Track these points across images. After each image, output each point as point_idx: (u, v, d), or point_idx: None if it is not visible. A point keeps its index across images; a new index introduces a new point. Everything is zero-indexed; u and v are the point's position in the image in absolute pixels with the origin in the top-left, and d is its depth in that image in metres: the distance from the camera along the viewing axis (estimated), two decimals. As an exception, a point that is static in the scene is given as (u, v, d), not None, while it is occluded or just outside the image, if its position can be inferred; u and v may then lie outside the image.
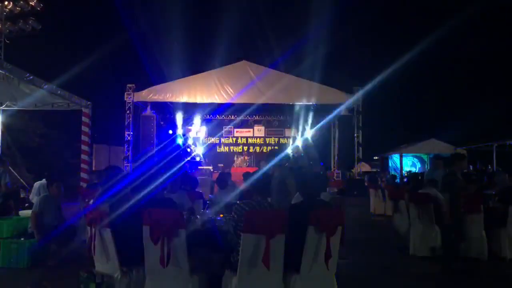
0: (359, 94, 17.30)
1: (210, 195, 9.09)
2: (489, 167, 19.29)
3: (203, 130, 21.72)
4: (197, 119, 21.02)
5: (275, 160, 5.59)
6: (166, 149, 18.31)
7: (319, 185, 3.73)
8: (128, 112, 16.69)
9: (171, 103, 17.61)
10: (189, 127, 21.44)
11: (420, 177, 8.22)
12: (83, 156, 10.94)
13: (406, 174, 18.29)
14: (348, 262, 5.20)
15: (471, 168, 19.71)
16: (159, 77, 17.58)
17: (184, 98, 16.72)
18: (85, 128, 10.74)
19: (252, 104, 17.66)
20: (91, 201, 5.16)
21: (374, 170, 22.16)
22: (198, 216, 4.04)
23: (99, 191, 4.39)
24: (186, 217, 3.64)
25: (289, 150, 21.11)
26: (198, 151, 21.16)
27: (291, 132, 21.86)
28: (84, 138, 10.77)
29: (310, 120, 21.09)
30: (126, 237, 3.35)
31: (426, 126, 26.57)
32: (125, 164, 16.16)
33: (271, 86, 16.59)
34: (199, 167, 18.59)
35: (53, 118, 16.24)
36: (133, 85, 16.78)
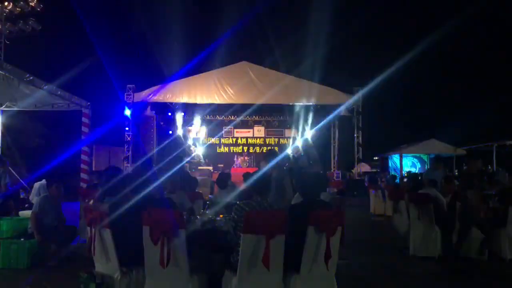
0: (359, 95, 17.30)
1: (210, 195, 9.10)
2: (489, 167, 19.29)
3: (203, 130, 21.73)
4: (197, 120, 21.03)
5: (275, 160, 5.59)
6: (166, 149, 18.32)
7: (319, 185, 3.73)
8: (128, 112, 16.68)
9: (171, 103, 17.62)
10: (189, 128, 21.45)
11: (419, 177, 8.23)
12: (83, 157, 10.95)
13: (406, 175, 18.29)
14: (348, 262, 5.20)
15: (471, 168, 19.67)
16: (159, 78, 17.60)
17: (184, 99, 16.72)
18: (84, 129, 10.75)
19: (252, 104, 17.67)
20: (91, 201, 5.16)
21: (374, 170, 22.16)
22: (198, 217, 4.04)
23: (99, 192, 4.39)
24: (186, 217, 3.65)
25: (289, 151, 21.15)
26: (198, 151, 21.18)
27: (291, 133, 21.87)
28: (84, 138, 10.79)
29: (310, 121, 21.11)
30: (126, 238, 3.35)
31: (426, 126, 26.56)
32: (125, 165, 16.16)
33: (271, 86, 16.58)
34: (199, 168, 18.61)
35: (53, 119, 16.24)
36: (133, 85, 16.79)
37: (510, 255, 5.57)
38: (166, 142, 19.03)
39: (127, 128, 16.73)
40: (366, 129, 17.94)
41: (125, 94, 16.58)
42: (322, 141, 21.46)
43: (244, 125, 21.78)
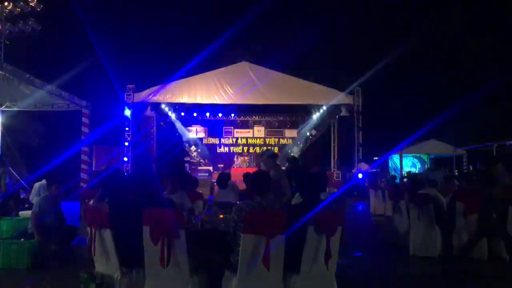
0: (359, 95, 17.32)
1: (210, 196, 9.10)
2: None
3: (203, 130, 21.74)
4: (197, 119, 21.04)
5: (272, 160, 5.60)
6: (166, 150, 18.34)
7: (318, 185, 3.73)
8: (128, 112, 16.68)
9: (171, 103, 17.61)
10: (189, 128, 21.45)
11: (418, 177, 8.24)
12: (83, 157, 10.95)
13: (406, 175, 18.30)
14: (349, 264, 5.20)
15: (471, 168, 19.72)
16: (159, 78, 17.60)
17: (184, 99, 16.71)
18: (85, 129, 10.75)
19: (252, 104, 17.67)
20: (91, 201, 5.16)
21: (374, 170, 22.15)
22: (199, 217, 4.04)
23: (99, 192, 4.39)
24: (186, 217, 3.64)
25: (289, 151, 21.16)
26: (198, 151, 21.19)
27: (291, 133, 21.88)
28: (84, 138, 10.79)
29: (310, 121, 21.13)
30: (126, 238, 3.35)
31: (426, 126, 26.53)
32: (125, 165, 16.16)
33: (271, 86, 16.59)
34: (199, 168, 18.62)
35: (53, 119, 16.24)
36: (133, 85, 16.79)
37: (510, 255, 5.56)
38: (167, 142, 19.04)
39: (127, 128, 16.73)
40: (366, 129, 17.93)
41: (125, 94, 16.58)
42: (322, 141, 21.47)
43: (244, 125, 21.78)
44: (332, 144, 20.91)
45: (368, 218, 10.93)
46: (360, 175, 16.62)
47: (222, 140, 21.69)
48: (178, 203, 4.41)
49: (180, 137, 21.11)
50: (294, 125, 21.79)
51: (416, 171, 20.35)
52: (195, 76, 16.88)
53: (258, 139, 21.77)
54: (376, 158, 24.24)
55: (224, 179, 5.79)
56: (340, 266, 3.45)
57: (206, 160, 20.84)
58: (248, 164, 19.56)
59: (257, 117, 21.49)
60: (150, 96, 16.67)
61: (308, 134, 21.59)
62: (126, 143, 16.69)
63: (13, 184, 8.66)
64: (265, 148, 21.48)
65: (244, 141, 21.70)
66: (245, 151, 21.32)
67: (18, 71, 7.95)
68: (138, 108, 17.45)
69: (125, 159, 16.53)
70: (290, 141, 21.81)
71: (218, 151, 21.65)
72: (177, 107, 18.74)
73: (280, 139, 21.84)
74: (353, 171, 18.40)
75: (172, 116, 19.75)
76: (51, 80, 9.48)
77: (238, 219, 3.18)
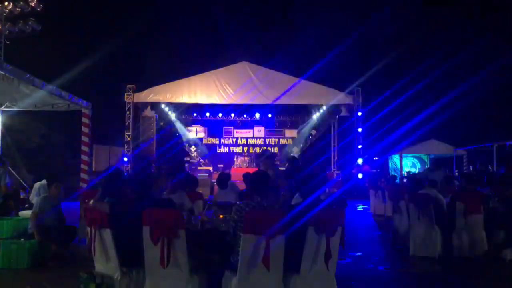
0: (359, 95, 17.33)
1: (210, 196, 9.10)
2: (489, 167, 19.29)
3: (203, 130, 21.74)
4: (197, 119, 21.05)
5: (269, 160, 5.60)
6: (166, 150, 18.33)
7: (319, 185, 3.72)
8: (128, 112, 16.70)
9: (171, 103, 17.62)
10: (189, 128, 21.46)
11: (418, 177, 8.23)
12: (83, 157, 10.95)
13: (405, 175, 18.30)
14: (348, 262, 5.20)
15: (471, 168, 19.72)
16: (159, 78, 17.60)
17: (184, 99, 16.72)
18: (85, 129, 10.75)
19: (252, 104, 17.67)
20: (91, 202, 5.16)
21: (374, 170, 22.16)
22: (199, 217, 4.04)
23: (99, 192, 4.39)
24: (186, 217, 3.65)
25: (289, 151, 21.15)
26: (198, 151, 21.19)
27: (291, 133, 21.89)
28: (84, 138, 10.79)
29: (310, 121, 21.14)
30: (126, 238, 3.35)
31: (426, 126, 26.53)
32: (125, 165, 16.16)
33: (271, 86, 16.60)
34: (198, 168, 18.62)
35: (53, 119, 16.24)
36: (133, 85, 16.79)
37: (510, 255, 5.56)
38: (167, 142, 19.05)
39: (127, 128, 16.74)
40: (366, 130, 17.94)
41: (125, 94, 16.59)
42: (322, 141, 21.48)
43: (244, 125, 21.79)
44: (332, 144, 20.92)
45: (368, 218, 10.93)
46: (360, 175, 16.63)
47: (222, 140, 21.70)
48: (178, 203, 4.40)
49: (180, 137, 21.12)
50: (294, 125, 21.80)
51: (416, 171, 20.35)
52: (195, 76, 16.89)
53: (258, 139, 21.77)
54: (376, 158, 24.24)
55: (224, 179, 5.79)
56: (340, 266, 3.44)
57: (206, 160, 20.83)
58: (248, 164, 19.56)
59: (257, 117, 21.51)
60: (150, 96, 16.69)
61: (308, 134, 21.60)
62: (126, 144, 16.69)
63: (14, 184, 8.64)
64: (265, 148, 21.49)
65: (244, 141, 21.70)
66: (245, 151, 21.33)
67: (18, 71, 7.95)
68: (138, 108, 17.47)
69: (125, 159, 16.53)
70: (290, 141, 21.82)
71: (218, 151, 21.65)
72: (177, 107, 18.74)
73: (280, 139, 21.84)
74: (353, 171, 18.41)
75: (172, 116, 19.75)
76: (51, 80, 9.48)
77: (238, 219, 3.18)
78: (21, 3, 14.85)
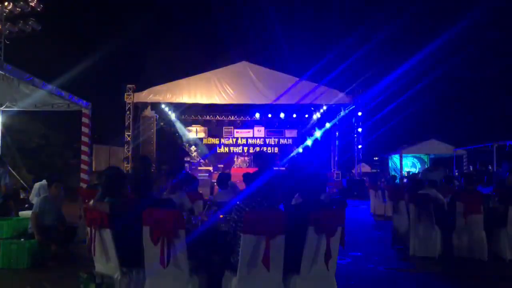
0: (359, 95, 17.33)
1: (210, 196, 9.10)
2: (489, 167, 19.29)
3: (203, 130, 21.75)
4: (197, 119, 21.05)
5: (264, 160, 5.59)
6: (166, 149, 18.33)
7: (319, 186, 3.72)
8: (128, 112, 16.70)
9: (171, 103, 17.62)
10: (189, 128, 21.46)
11: (418, 177, 8.24)
12: (83, 157, 10.93)
13: (406, 175, 18.30)
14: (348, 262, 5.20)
15: (471, 168, 19.72)
16: (159, 78, 17.61)
17: (184, 99, 16.72)
18: (85, 129, 10.73)
19: (252, 104, 17.68)
20: (91, 202, 5.16)
21: (374, 170, 22.17)
22: (199, 217, 4.04)
23: (99, 192, 4.39)
24: (186, 217, 3.64)
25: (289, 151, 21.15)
26: (198, 151, 21.19)
27: (291, 133, 21.90)
28: (84, 138, 10.77)
29: (310, 121, 21.15)
30: (126, 238, 3.35)
31: (426, 126, 26.57)
32: (125, 165, 16.16)
33: (271, 86, 16.60)
34: (199, 168, 18.62)
35: (53, 119, 16.25)
36: (133, 85, 16.79)
37: (510, 255, 5.56)
38: (167, 142, 19.05)
39: (127, 128, 16.74)
40: (366, 129, 17.94)
41: (125, 94, 16.59)
42: (322, 141, 21.48)
43: (244, 125, 21.79)
44: (332, 145, 20.93)
45: (368, 218, 10.93)
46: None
47: (222, 140, 21.70)
48: (178, 203, 4.41)
49: (180, 137, 21.13)
50: (294, 125, 21.80)
51: (416, 171, 20.35)
52: (195, 76, 16.89)
53: (258, 139, 21.78)
54: (376, 158, 24.27)
55: (224, 179, 5.79)
56: (340, 266, 3.44)
57: (206, 160, 20.84)
58: (248, 164, 19.56)
59: (257, 117, 21.51)
60: (150, 96, 16.69)
61: (308, 134, 21.62)
62: (126, 144, 16.69)
63: (14, 184, 8.64)
64: (265, 148, 21.51)
65: (244, 141, 21.70)
66: (245, 151, 21.33)
67: (18, 71, 7.93)
68: (138, 108, 17.47)
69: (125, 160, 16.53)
70: (290, 141, 21.82)
71: (218, 151, 21.66)
72: (177, 107, 18.74)
73: (280, 139, 21.85)
74: (353, 171, 18.42)
75: (172, 116, 19.75)
76: (51, 80, 9.47)
77: (238, 219, 3.18)
78: (21, 3, 14.86)
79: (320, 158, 20.81)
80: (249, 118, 21.47)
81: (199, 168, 19.26)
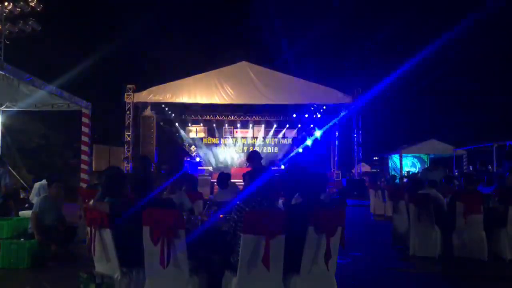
0: (359, 95, 17.33)
1: (210, 195, 9.11)
2: (489, 167, 19.29)
3: (203, 130, 21.74)
4: (197, 120, 21.05)
5: (258, 160, 5.59)
6: (166, 149, 18.33)
7: (319, 185, 3.72)
8: (128, 112, 16.69)
9: (171, 103, 17.63)
10: (189, 128, 21.46)
11: (418, 177, 8.23)
12: (83, 157, 10.93)
13: (405, 175, 18.30)
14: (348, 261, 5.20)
15: (470, 168, 19.73)
16: (159, 77, 17.62)
17: (184, 99, 16.72)
18: (85, 129, 10.73)
19: (252, 104, 17.67)
20: (91, 202, 5.16)
21: (374, 170, 22.18)
22: (199, 217, 4.04)
23: (99, 192, 4.39)
24: (186, 217, 3.65)
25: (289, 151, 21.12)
26: (198, 151, 21.18)
27: (291, 133, 21.89)
28: (84, 138, 10.77)
29: (310, 121, 21.13)
30: (126, 238, 3.35)
31: (426, 126, 26.57)
32: (125, 165, 16.16)
33: (271, 86, 16.60)
34: (199, 167, 18.60)
35: (53, 119, 16.26)
36: (133, 85, 16.79)
37: (510, 255, 5.57)
38: (167, 142, 19.04)
39: (127, 128, 16.74)
40: (366, 129, 17.95)
41: (125, 94, 16.59)
42: (322, 141, 21.47)
43: (244, 125, 21.78)
44: (332, 144, 20.93)
45: (368, 218, 10.94)
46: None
47: (222, 140, 21.69)
48: (178, 203, 4.41)
49: (180, 137, 21.13)
50: (294, 125, 21.79)
51: (416, 171, 20.35)
52: (195, 76, 16.89)
53: (258, 139, 21.77)
54: (376, 158, 24.28)
55: (224, 179, 5.79)
56: (340, 265, 3.44)
57: (206, 160, 20.84)
58: (248, 164, 19.49)
59: (257, 117, 21.48)
60: (150, 96, 16.69)
61: (308, 134, 21.61)
62: (126, 144, 16.69)
63: (14, 184, 8.63)
64: (265, 148, 21.51)
65: (244, 141, 21.69)
66: (245, 151, 21.32)
67: (18, 70, 7.93)
68: (138, 108, 17.47)
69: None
70: (290, 141, 21.81)
71: (218, 151, 21.64)
72: (177, 107, 18.74)
73: (280, 139, 21.84)
74: (353, 171, 18.42)
75: (172, 116, 19.74)
76: (51, 80, 9.47)
77: (238, 219, 3.18)
78: (21, 3, 14.85)
79: (320, 158, 20.80)
80: (249, 118, 21.46)
81: (199, 168, 19.26)
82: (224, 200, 5.00)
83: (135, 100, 16.73)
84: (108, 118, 18.78)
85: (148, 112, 17.79)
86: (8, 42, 15.06)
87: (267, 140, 21.73)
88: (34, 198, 7.77)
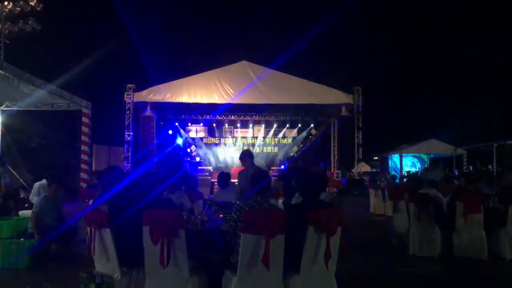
0: (359, 94, 17.33)
1: (210, 195, 9.10)
2: (490, 167, 19.31)
3: (203, 130, 21.74)
4: (197, 119, 21.04)
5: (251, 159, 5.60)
6: (166, 149, 18.33)
7: (319, 185, 3.72)
8: (128, 112, 16.69)
9: (171, 103, 17.63)
10: (189, 127, 21.46)
11: (418, 177, 8.23)
12: (83, 157, 10.94)
13: (405, 174, 18.31)
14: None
15: (470, 168, 19.74)
16: (159, 77, 17.62)
17: (184, 98, 16.73)
18: (85, 129, 10.74)
19: (252, 104, 17.67)
20: (91, 201, 5.16)
21: (374, 170, 22.17)
22: (199, 217, 4.03)
23: (99, 191, 4.39)
24: (186, 217, 3.64)
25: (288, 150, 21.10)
26: (198, 151, 21.18)
27: (291, 133, 21.89)
28: (84, 138, 10.78)
29: (310, 120, 21.13)
30: (126, 238, 3.35)
31: (426, 126, 26.57)
32: (125, 164, 16.17)
33: (271, 86, 16.60)
34: (199, 167, 18.60)
35: (53, 119, 16.25)
36: (133, 85, 16.79)
37: (510, 255, 5.57)
38: (167, 142, 19.04)
39: (127, 128, 16.74)
40: (366, 129, 17.94)
41: (125, 94, 16.60)
42: (322, 141, 21.49)
43: (244, 125, 21.78)
44: (332, 144, 20.93)
45: (368, 218, 10.93)
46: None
47: (222, 140, 21.69)
48: (177, 203, 4.40)
49: (180, 137, 21.12)
50: (294, 125, 21.79)
51: (416, 171, 20.36)
52: (195, 75, 16.90)
53: (258, 139, 21.77)
54: (376, 158, 24.27)
55: (224, 179, 5.78)
56: (340, 265, 3.44)
57: (206, 160, 20.84)
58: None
59: (257, 117, 21.48)
60: (150, 96, 16.69)
61: (308, 133, 21.61)
62: (126, 144, 16.69)
63: (13, 184, 8.63)
64: (265, 148, 21.51)
65: (244, 141, 21.69)
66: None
67: (18, 70, 7.94)
68: (138, 108, 17.47)
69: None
70: (290, 141, 21.81)
71: (218, 151, 21.64)
72: (177, 106, 18.74)
73: (280, 139, 21.84)
74: (353, 170, 18.42)
75: (172, 115, 19.74)
76: (51, 79, 9.48)
77: (238, 219, 3.18)
78: (21, 2, 14.86)
79: (320, 158, 20.80)
80: (249, 118, 21.46)
81: (199, 168, 19.26)
82: (224, 200, 5.00)
83: (135, 100, 16.74)
84: (108, 118, 18.77)
85: (148, 112, 17.81)
86: (8, 42, 15.06)
87: (267, 140, 21.73)
88: (34, 198, 7.76)
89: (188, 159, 20.19)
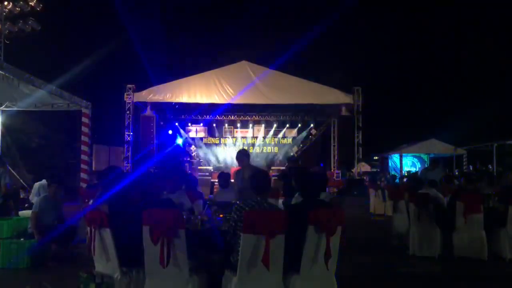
0: (359, 94, 17.33)
1: (210, 195, 9.11)
2: (490, 167, 19.31)
3: (203, 130, 21.74)
4: (197, 119, 21.05)
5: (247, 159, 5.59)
6: (166, 149, 18.33)
7: (319, 185, 3.72)
8: (128, 112, 16.69)
9: (171, 103, 17.63)
10: (189, 127, 21.46)
11: (418, 177, 8.23)
12: (83, 157, 10.94)
13: (405, 174, 18.30)
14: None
15: (470, 168, 19.74)
16: (159, 77, 17.63)
17: (184, 98, 16.73)
18: (84, 129, 10.75)
19: (252, 104, 17.67)
20: (91, 201, 5.16)
21: (374, 170, 22.18)
22: (199, 217, 4.03)
23: (99, 191, 4.39)
24: (186, 217, 3.64)
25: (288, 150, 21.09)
26: (198, 151, 21.18)
27: (291, 133, 21.88)
28: (84, 138, 10.79)
29: (310, 120, 21.13)
30: (126, 238, 3.35)
31: (426, 126, 26.57)
32: (125, 165, 16.17)
33: (271, 86, 16.60)
34: (199, 167, 18.61)
35: (53, 119, 16.24)
36: (133, 85, 16.79)
37: (510, 255, 5.57)
38: (166, 142, 19.04)
39: (127, 128, 16.74)
40: (366, 129, 17.94)
41: (125, 94, 16.60)
42: (322, 141, 21.48)
43: (244, 124, 21.78)
44: (332, 144, 20.93)
45: (368, 217, 10.93)
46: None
47: (222, 140, 21.69)
48: (177, 203, 4.40)
49: (179, 137, 21.12)
50: (294, 125, 21.79)
51: (416, 171, 20.36)
52: (195, 75, 16.90)
53: (258, 139, 21.77)
54: (376, 158, 24.27)
55: (225, 179, 5.79)
56: (340, 265, 3.44)
57: (206, 160, 20.85)
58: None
59: (257, 117, 21.48)
60: (150, 96, 16.70)
61: (308, 133, 21.60)
62: (126, 144, 16.69)
63: (13, 184, 8.63)
64: (265, 148, 21.50)
65: (244, 141, 21.69)
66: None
67: (18, 70, 7.94)
68: (138, 108, 17.47)
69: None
70: (290, 141, 21.81)
71: (218, 151, 21.64)
72: (177, 107, 18.74)
73: (280, 139, 21.84)
74: (353, 170, 18.42)
75: (172, 116, 19.74)
76: (51, 79, 9.48)
77: (238, 219, 3.18)
78: (21, 2, 14.85)
79: (320, 158, 20.80)
80: (249, 118, 21.46)
81: (199, 168, 19.26)
82: (224, 200, 5.00)
83: (135, 100, 16.74)
84: (108, 118, 18.77)
85: (148, 112, 17.81)
86: (7, 42, 15.06)
87: (267, 140, 21.72)
88: (34, 198, 7.76)
89: (188, 159, 20.19)
